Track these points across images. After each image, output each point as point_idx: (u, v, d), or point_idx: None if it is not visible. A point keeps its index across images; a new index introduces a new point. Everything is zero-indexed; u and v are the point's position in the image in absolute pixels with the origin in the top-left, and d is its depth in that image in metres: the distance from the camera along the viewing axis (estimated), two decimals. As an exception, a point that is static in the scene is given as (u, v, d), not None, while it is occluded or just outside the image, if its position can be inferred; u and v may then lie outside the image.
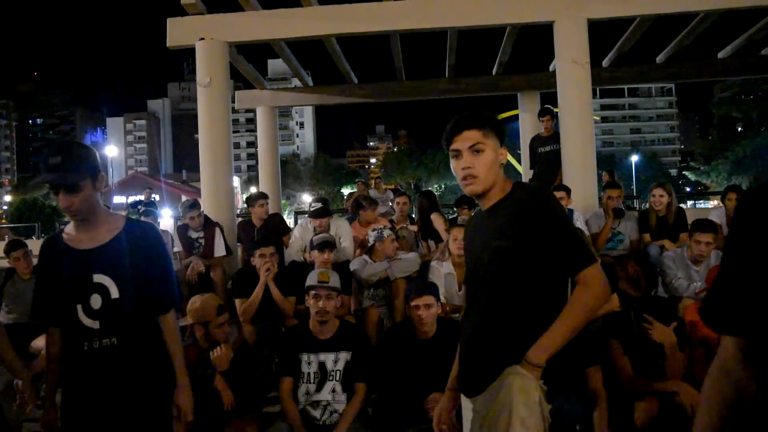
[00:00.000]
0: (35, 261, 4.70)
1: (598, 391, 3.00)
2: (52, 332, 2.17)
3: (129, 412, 2.07)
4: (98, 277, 2.05)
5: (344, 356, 3.19)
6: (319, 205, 5.00)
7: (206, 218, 5.50)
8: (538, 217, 1.70)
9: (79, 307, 2.04)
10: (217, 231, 5.44)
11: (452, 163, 1.83)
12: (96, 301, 2.04)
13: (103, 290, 2.04)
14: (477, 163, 1.76)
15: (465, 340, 1.89)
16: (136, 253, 2.10)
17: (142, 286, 2.10)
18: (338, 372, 3.17)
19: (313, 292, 3.21)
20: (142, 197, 11.99)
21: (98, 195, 2.08)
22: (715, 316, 1.03)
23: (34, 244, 5.06)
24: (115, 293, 2.04)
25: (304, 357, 3.18)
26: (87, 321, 2.04)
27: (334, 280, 3.28)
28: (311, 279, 3.29)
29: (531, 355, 1.64)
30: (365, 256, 4.59)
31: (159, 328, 2.20)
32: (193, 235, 5.45)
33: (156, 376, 2.16)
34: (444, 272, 4.23)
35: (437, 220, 5.65)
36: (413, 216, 6.41)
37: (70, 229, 2.15)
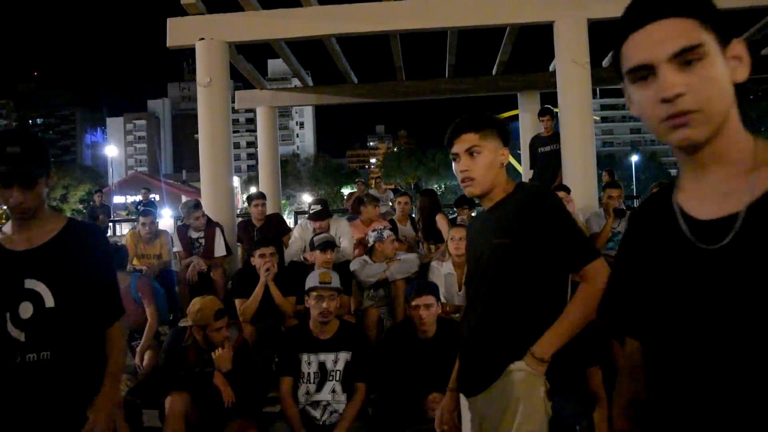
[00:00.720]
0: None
1: (598, 391, 3.00)
2: None
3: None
4: (30, 283, 1.78)
5: (344, 356, 3.19)
6: (319, 207, 4.99)
7: (207, 218, 5.51)
8: (539, 214, 1.71)
9: (7, 315, 1.77)
10: (218, 231, 5.44)
11: (453, 166, 1.84)
12: (26, 309, 1.77)
13: (35, 297, 1.78)
14: (474, 166, 1.77)
15: (465, 339, 1.87)
16: (77, 258, 1.85)
17: (82, 295, 1.85)
18: (338, 372, 3.17)
19: (315, 294, 3.21)
20: (140, 198, 12.03)
21: (45, 192, 1.84)
22: (614, 318, 1.10)
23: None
24: (50, 302, 1.78)
25: (304, 357, 3.18)
26: (14, 332, 1.76)
27: (335, 280, 3.29)
28: (313, 280, 3.29)
29: (536, 349, 1.65)
30: (365, 257, 4.60)
31: (101, 342, 1.92)
32: (194, 235, 5.45)
33: (92, 397, 1.86)
34: (444, 272, 4.23)
35: (441, 221, 5.64)
36: (413, 216, 6.40)
37: (7, 228, 1.88)
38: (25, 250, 1.81)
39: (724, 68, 0.86)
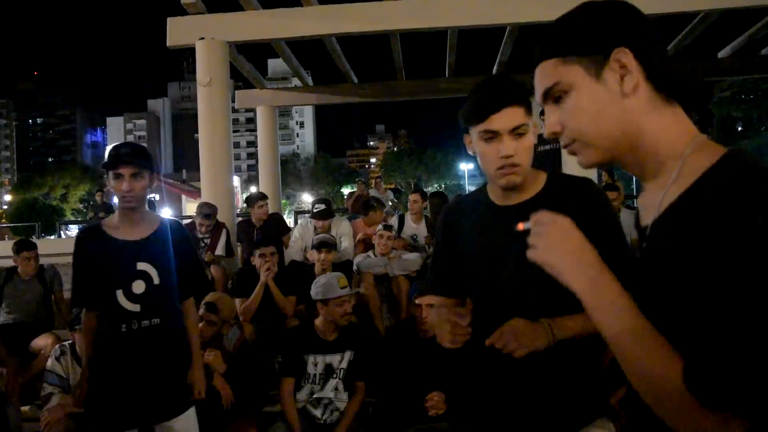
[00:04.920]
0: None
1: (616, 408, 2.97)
2: (89, 317, 2.35)
3: (161, 386, 2.32)
4: (141, 265, 2.29)
5: (348, 355, 3.21)
6: (323, 206, 5.05)
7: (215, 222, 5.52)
8: (601, 219, 1.40)
9: (119, 292, 2.25)
10: (224, 232, 5.46)
11: (480, 146, 1.41)
12: (139, 286, 2.27)
13: (146, 277, 2.29)
14: (520, 149, 1.39)
15: (511, 378, 1.40)
16: (171, 246, 2.37)
17: (176, 275, 2.38)
18: (342, 370, 3.18)
19: (338, 300, 3.16)
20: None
21: (148, 192, 2.32)
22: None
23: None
24: (156, 280, 2.30)
25: (311, 359, 3.17)
26: (128, 305, 2.26)
27: (346, 281, 3.30)
28: (332, 289, 3.18)
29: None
30: (369, 252, 4.68)
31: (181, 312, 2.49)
32: (199, 235, 5.47)
33: (184, 354, 2.46)
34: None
35: None
36: (427, 215, 6.32)
37: (111, 221, 2.36)
38: (137, 240, 2.30)
39: (600, 90, 0.84)
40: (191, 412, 2.43)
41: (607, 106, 0.84)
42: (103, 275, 2.26)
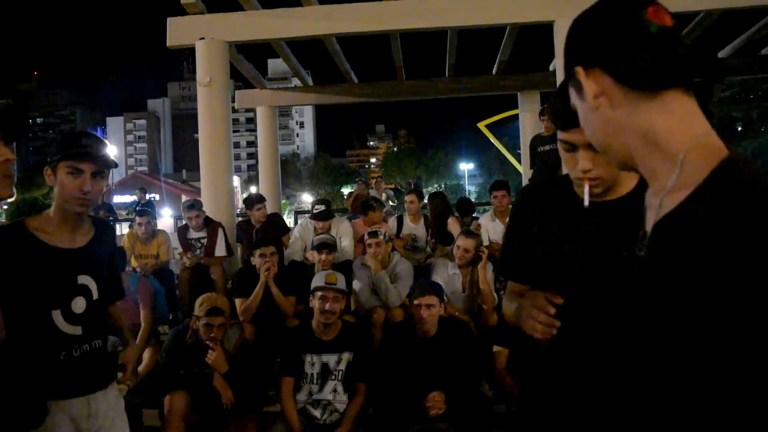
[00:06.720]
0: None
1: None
2: None
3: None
4: (82, 279, 1.87)
5: (347, 356, 3.20)
6: (323, 207, 5.03)
7: (208, 218, 5.50)
8: None
9: (56, 312, 1.80)
10: (220, 231, 5.44)
11: (562, 152, 1.38)
12: (80, 304, 1.84)
13: (86, 292, 1.87)
14: (600, 161, 1.29)
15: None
16: (106, 252, 2.00)
17: (111, 284, 2.05)
18: (340, 372, 3.17)
19: (319, 294, 3.21)
20: (135, 198, 12.03)
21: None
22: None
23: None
24: (95, 294, 1.89)
25: (308, 358, 3.18)
26: (68, 328, 1.82)
27: (341, 282, 3.29)
28: (318, 280, 3.29)
29: None
30: (365, 256, 4.61)
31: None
32: (194, 235, 5.45)
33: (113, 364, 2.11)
34: (450, 272, 4.21)
35: (453, 224, 5.62)
36: (427, 215, 6.30)
37: (41, 224, 1.85)
38: (78, 248, 1.88)
39: (585, 108, 0.89)
40: (112, 391, 2.01)
41: (593, 122, 0.89)
42: (35, 292, 1.77)
